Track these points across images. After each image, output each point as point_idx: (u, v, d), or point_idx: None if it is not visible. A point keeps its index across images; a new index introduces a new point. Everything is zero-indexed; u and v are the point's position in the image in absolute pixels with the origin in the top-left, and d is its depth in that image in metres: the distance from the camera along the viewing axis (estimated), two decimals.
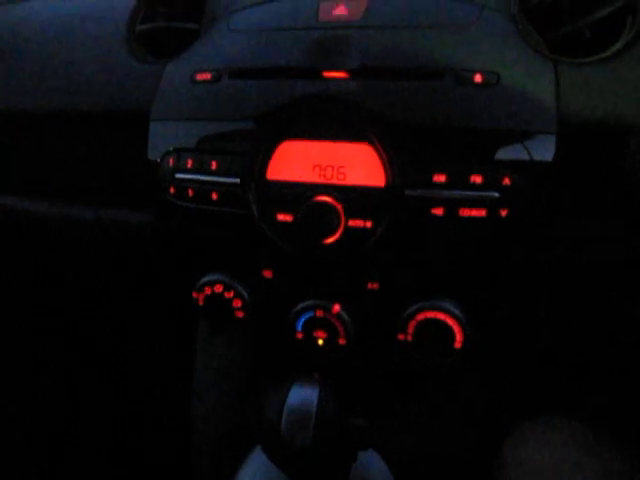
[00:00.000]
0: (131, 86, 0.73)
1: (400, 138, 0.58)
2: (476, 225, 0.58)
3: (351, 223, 0.61)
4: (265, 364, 0.76)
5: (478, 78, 0.57)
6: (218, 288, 0.69)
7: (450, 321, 0.62)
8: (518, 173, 0.57)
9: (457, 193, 0.57)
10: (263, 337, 0.74)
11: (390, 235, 0.60)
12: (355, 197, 0.60)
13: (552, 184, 0.58)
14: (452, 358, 0.63)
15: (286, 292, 0.67)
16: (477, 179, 0.57)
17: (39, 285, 1.10)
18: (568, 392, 0.68)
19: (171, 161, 0.67)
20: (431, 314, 0.62)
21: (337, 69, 0.60)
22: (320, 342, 0.67)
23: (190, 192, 0.66)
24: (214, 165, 0.64)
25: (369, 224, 0.60)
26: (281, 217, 0.63)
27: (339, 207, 0.60)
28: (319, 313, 0.66)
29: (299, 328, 0.67)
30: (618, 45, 0.59)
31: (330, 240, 0.61)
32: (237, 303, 0.69)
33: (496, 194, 0.57)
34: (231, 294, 0.69)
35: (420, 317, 0.63)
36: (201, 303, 0.70)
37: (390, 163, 0.58)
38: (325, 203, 0.60)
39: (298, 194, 0.62)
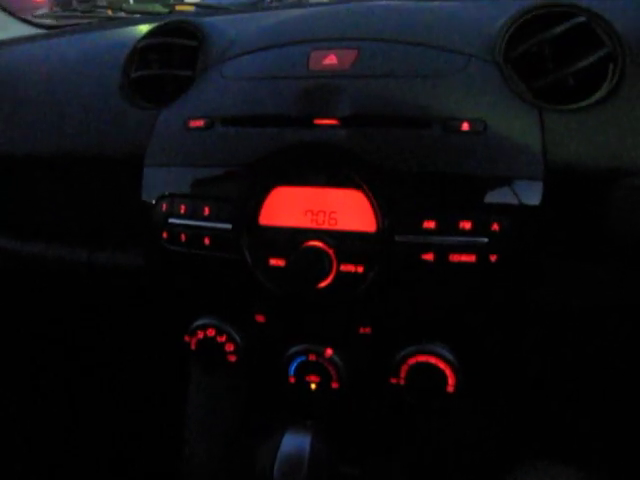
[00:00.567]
0: (126, 131, 0.74)
1: (389, 185, 0.59)
2: (466, 270, 0.58)
3: (343, 268, 0.61)
4: (258, 408, 0.75)
5: (465, 126, 0.59)
6: (210, 332, 0.69)
7: (442, 365, 0.62)
8: (506, 218, 0.57)
9: (447, 239, 0.58)
10: (256, 381, 0.74)
11: (381, 280, 0.60)
12: (347, 242, 0.61)
13: (540, 228, 0.59)
14: (445, 401, 0.63)
15: (278, 336, 0.67)
16: (466, 225, 0.57)
17: (32, 325, 1.10)
18: (560, 433, 0.68)
19: (164, 206, 0.68)
20: (423, 358, 0.62)
21: (327, 117, 0.61)
22: (313, 387, 0.67)
23: (183, 237, 0.67)
24: (207, 211, 0.65)
25: (361, 269, 0.61)
26: (273, 262, 0.63)
27: (331, 252, 0.61)
28: (312, 357, 0.66)
29: (292, 372, 0.67)
30: (601, 93, 0.61)
31: (322, 285, 0.61)
32: (229, 347, 0.69)
33: (485, 239, 0.57)
34: (223, 338, 0.68)
35: (412, 361, 0.63)
36: (193, 347, 0.70)
37: (380, 209, 0.59)
38: (317, 248, 0.61)
39: (290, 239, 0.62)
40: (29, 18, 1.21)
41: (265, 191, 0.62)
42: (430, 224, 0.58)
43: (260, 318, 0.67)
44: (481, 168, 0.58)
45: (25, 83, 0.86)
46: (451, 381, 0.62)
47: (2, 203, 0.87)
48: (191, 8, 1.32)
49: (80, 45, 0.95)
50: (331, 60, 0.66)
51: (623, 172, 0.57)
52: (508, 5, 0.70)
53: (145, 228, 0.70)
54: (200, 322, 0.69)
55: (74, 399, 1.16)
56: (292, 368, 0.67)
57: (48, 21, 1.22)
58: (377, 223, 0.60)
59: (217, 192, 0.65)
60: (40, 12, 1.26)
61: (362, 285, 0.61)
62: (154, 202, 0.69)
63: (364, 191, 0.59)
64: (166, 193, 0.67)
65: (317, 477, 0.56)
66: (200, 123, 0.67)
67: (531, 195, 0.58)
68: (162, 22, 0.81)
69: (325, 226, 0.62)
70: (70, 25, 1.18)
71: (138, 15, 1.17)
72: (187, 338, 0.70)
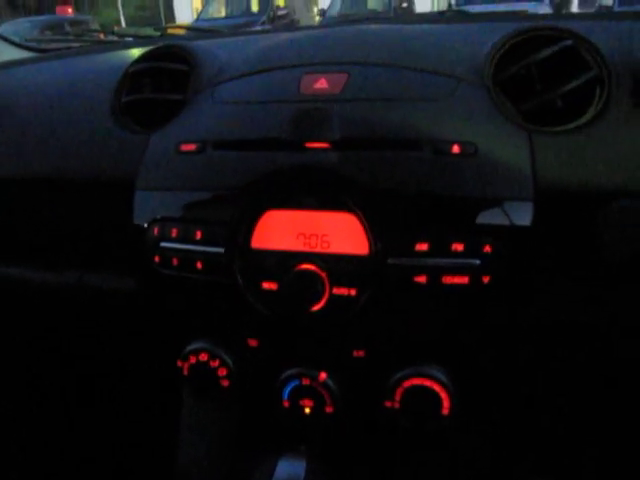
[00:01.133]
0: (117, 155, 0.74)
1: (381, 207, 0.59)
2: (459, 292, 0.58)
3: (335, 291, 0.61)
4: (251, 433, 0.74)
5: (456, 149, 0.59)
6: (203, 357, 0.68)
7: (437, 388, 0.61)
8: (498, 240, 0.58)
9: (439, 261, 0.58)
10: (249, 406, 0.73)
11: (374, 303, 0.60)
12: (339, 265, 0.61)
13: (532, 249, 0.59)
14: (440, 424, 0.62)
15: (272, 360, 0.67)
16: (458, 247, 0.58)
17: (22, 348, 1.08)
18: (553, 451, 0.68)
19: (156, 230, 0.68)
20: (418, 381, 0.62)
21: (319, 141, 0.62)
22: (307, 411, 0.66)
23: (175, 261, 0.66)
24: (199, 234, 0.65)
25: (353, 292, 0.61)
26: (266, 285, 0.63)
27: (323, 275, 0.61)
28: (305, 381, 0.65)
29: (285, 397, 0.66)
30: (589, 115, 0.61)
31: (315, 308, 0.61)
32: (222, 372, 0.68)
33: (477, 261, 0.58)
34: (216, 363, 0.68)
35: (407, 384, 0.62)
36: (186, 373, 0.69)
37: (372, 232, 0.59)
38: (310, 271, 0.61)
39: (283, 262, 0.62)
40: (20, 42, 1.22)
41: (257, 214, 0.62)
42: (422, 246, 0.58)
43: (253, 342, 0.67)
44: (472, 190, 0.58)
45: (15, 107, 0.86)
46: (446, 404, 0.62)
47: None
48: (183, 31, 1.33)
49: (71, 69, 0.95)
50: (322, 84, 0.66)
51: (611, 193, 0.58)
52: (495, 29, 0.71)
53: (137, 252, 0.70)
54: (193, 347, 0.69)
55: (67, 411, 1.14)
56: (286, 392, 0.66)
57: (39, 45, 1.23)
58: (370, 246, 0.60)
59: (209, 216, 0.65)
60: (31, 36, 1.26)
61: (355, 308, 0.61)
62: (146, 226, 0.68)
63: (356, 214, 0.59)
64: (158, 217, 0.67)
65: None
66: (192, 147, 0.67)
67: (522, 216, 0.58)
68: (153, 47, 0.82)
69: (318, 249, 0.62)
70: (61, 49, 1.19)
71: (130, 38, 1.18)
72: (180, 363, 0.69)
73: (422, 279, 0.58)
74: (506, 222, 0.58)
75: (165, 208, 0.67)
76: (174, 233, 0.66)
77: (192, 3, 12.05)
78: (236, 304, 0.65)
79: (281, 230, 0.63)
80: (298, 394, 0.66)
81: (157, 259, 0.68)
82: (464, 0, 6.39)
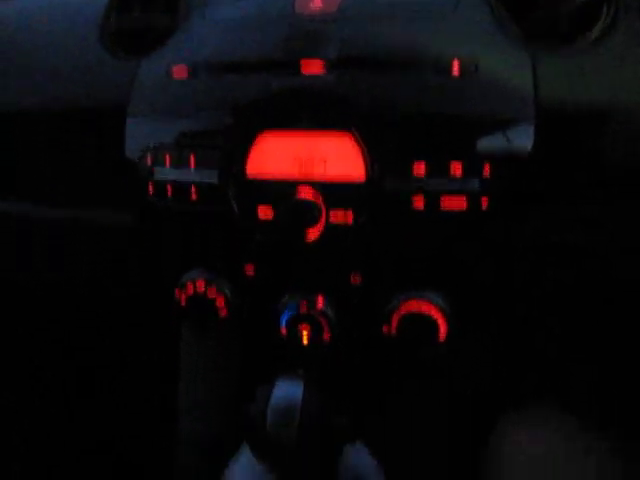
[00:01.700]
0: (106, 83, 0.71)
1: (378, 128, 0.58)
2: (456, 214, 0.58)
3: (332, 218, 0.60)
4: (251, 364, 0.75)
5: (456, 67, 0.57)
6: (200, 287, 0.68)
7: (434, 313, 0.61)
8: (498, 160, 0.57)
9: (437, 183, 0.57)
10: (247, 336, 0.73)
11: (371, 228, 0.60)
12: (335, 191, 0.60)
13: (532, 170, 0.58)
14: (436, 351, 0.63)
15: (269, 288, 0.67)
16: (457, 168, 0.57)
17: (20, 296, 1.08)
18: (554, 381, 0.68)
19: (149, 158, 0.66)
20: (415, 306, 0.62)
21: (314, 60, 0.60)
22: (304, 338, 0.66)
23: (169, 190, 0.66)
24: (192, 161, 0.64)
25: (350, 218, 0.60)
26: (262, 213, 0.62)
27: (320, 201, 0.60)
28: (303, 309, 0.65)
29: (283, 325, 0.67)
30: (594, 34, 0.59)
31: (312, 234, 0.61)
32: (220, 302, 0.68)
33: (476, 183, 0.57)
34: (213, 293, 0.68)
35: (404, 310, 0.62)
36: (183, 304, 0.69)
37: (369, 154, 0.58)
38: (306, 199, 0.60)
39: (278, 190, 0.61)
40: None
41: (251, 137, 0.61)
42: (420, 168, 0.57)
43: (250, 270, 0.66)
44: (472, 110, 0.57)
45: None
46: (443, 329, 0.62)
47: None
48: None
49: None
50: (317, 3, 0.64)
51: (614, 113, 0.57)
52: None
53: (131, 184, 0.69)
54: (189, 276, 0.68)
55: (67, 386, 1.15)
56: (283, 320, 0.66)
57: None
58: (366, 169, 0.58)
59: (202, 141, 0.63)
60: None
61: (352, 233, 0.60)
62: (138, 154, 0.67)
63: (353, 134, 0.58)
64: (150, 144, 0.66)
65: (310, 425, 0.56)
66: (183, 71, 0.65)
67: (523, 138, 0.57)
68: None
69: (314, 175, 0.60)
70: None
71: None
72: (177, 294, 0.69)
73: (419, 203, 0.58)
74: (506, 142, 0.56)
75: (157, 135, 0.66)
76: (167, 160, 0.65)
77: None
78: (232, 233, 0.64)
79: (276, 155, 0.61)
80: (295, 322, 0.66)
81: (151, 189, 0.67)
82: None
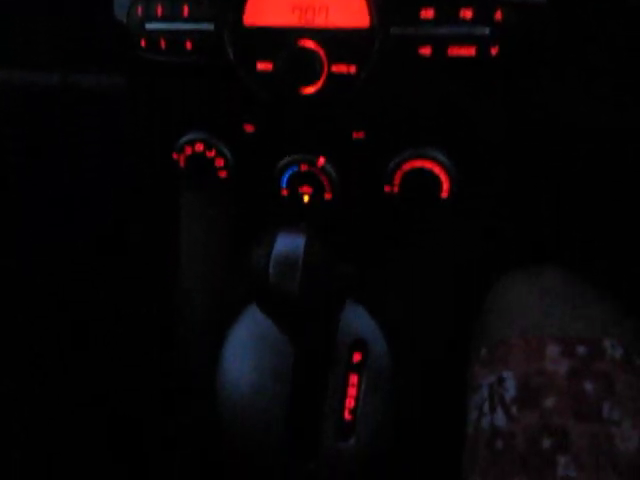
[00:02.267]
0: None
1: None
2: (465, 64, 0.55)
3: (334, 69, 0.58)
4: (251, 226, 0.75)
5: None
6: (199, 147, 0.66)
7: (437, 169, 0.61)
8: (510, 6, 0.54)
9: (446, 29, 0.54)
10: (248, 197, 0.73)
11: (376, 79, 0.58)
12: (338, 40, 0.57)
13: (544, 25, 0.55)
14: (438, 208, 0.63)
15: (269, 147, 0.65)
16: (467, 13, 0.54)
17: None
18: (557, 241, 0.69)
19: (139, 10, 0.62)
20: (418, 163, 0.61)
21: None
22: (306, 198, 0.66)
23: (162, 43, 0.62)
24: (186, 10, 0.60)
25: (353, 69, 0.58)
26: (260, 65, 0.60)
27: (321, 52, 0.57)
28: (304, 167, 0.64)
29: (284, 184, 0.66)
30: None
31: (313, 88, 0.58)
32: (219, 162, 0.67)
33: (487, 30, 0.54)
34: (212, 153, 0.66)
35: (406, 167, 0.62)
36: (182, 165, 0.68)
37: None
38: (307, 48, 0.57)
39: (277, 39, 0.58)
40: None
41: None
42: (428, 13, 0.54)
43: (249, 128, 0.65)
44: None
45: None
46: (445, 186, 0.61)
47: None
48: None
49: None
50: None
51: None
52: None
53: (121, 40, 0.65)
54: (188, 137, 0.67)
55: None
56: (284, 180, 0.66)
57: None
58: (371, 15, 0.55)
59: None
60: None
61: (355, 86, 0.58)
62: (128, 6, 0.63)
63: None
64: None
65: (313, 276, 0.57)
66: None
67: None
68: None
69: (315, 23, 0.57)
70: None
71: None
72: (175, 156, 0.68)
73: (426, 50, 0.55)
74: None
75: None
76: (159, 11, 0.61)
77: None
78: (230, 87, 0.62)
79: (275, 3, 0.58)
80: (297, 181, 0.66)
81: (143, 43, 0.63)
82: None
